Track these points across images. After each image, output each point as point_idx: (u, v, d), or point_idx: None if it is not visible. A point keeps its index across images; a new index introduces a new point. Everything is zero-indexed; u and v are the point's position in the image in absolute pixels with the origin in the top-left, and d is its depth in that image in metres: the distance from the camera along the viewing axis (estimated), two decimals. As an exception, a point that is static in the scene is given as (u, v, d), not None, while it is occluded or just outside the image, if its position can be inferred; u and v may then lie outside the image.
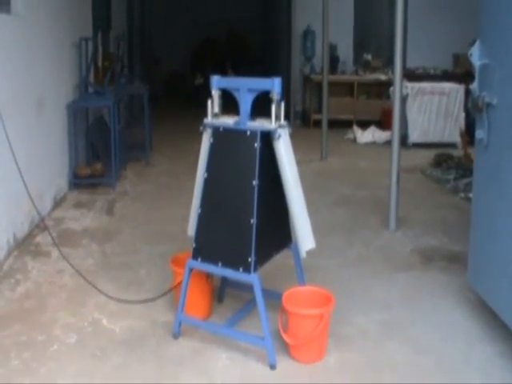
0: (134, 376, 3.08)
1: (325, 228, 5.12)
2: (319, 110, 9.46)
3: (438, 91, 9.26)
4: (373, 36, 12.02)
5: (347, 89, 11.22)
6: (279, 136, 3.22)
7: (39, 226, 5.17)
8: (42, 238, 4.98)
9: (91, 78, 7.46)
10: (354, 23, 11.75)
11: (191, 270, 3.38)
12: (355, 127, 10.16)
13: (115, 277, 4.26)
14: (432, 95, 9.22)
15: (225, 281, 3.83)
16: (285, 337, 3.21)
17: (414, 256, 4.72)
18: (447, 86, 9.43)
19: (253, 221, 3.15)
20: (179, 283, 3.47)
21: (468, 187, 6.19)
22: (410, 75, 10.09)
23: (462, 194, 6.42)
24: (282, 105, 3.22)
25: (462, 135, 8.84)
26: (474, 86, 3.56)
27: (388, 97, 9.37)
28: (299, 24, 11.25)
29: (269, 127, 3.23)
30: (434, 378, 3.08)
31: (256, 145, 3.19)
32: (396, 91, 5.28)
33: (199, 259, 3.33)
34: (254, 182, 3.17)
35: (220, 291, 3.85)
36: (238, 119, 3.30)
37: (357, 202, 6.24)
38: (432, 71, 11.26)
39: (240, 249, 3.19)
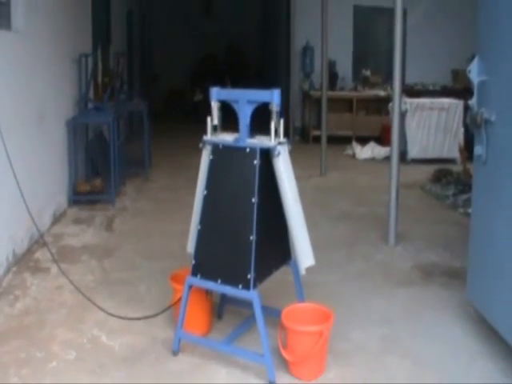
0: (133, 393, 3.07)
1: (325, 243, 5.12)
2: (318, 126, 9.50)
3: (437, 107, 9.28)
4: (372, 52, 12.09)
5: (346, 105, 11.27)
6: (279, 153, 3.23)
7: (38, 242, 5.16)
8: (41, 254, 4.97)
9: (91, 93, 7.49)
10: (353, 39, 11.83)
11: (190, 286, 3.37)
12: (354, 143, 10.19)
13: (115, 293, 4.25)
14: (431, 111, 9.25)
15: (224, 297, 3.82)
16: (284, 353, 3.19)
17: (415, 271, 4.72)
18: (446, 101, 9.45)
19: (252, 237, 3.15)
20: (179, 300, 3.47)
21: (467, 203, 6.21)
22: (409, 91, 10.14)
23: (462, 210, 6.43)
24: (282, 121, 3.23)
25: (461, 151, 8.85)
26: (473, 102, 3.58)
27: (387, 112, 9.38)
28: (298, 40, 11.31)
29: (268, 144, 3.24)
30: (435, 395, 3.07)
31: (255, 162, 3.20)
32: (395, 107, 5.29)
33: (199, 276, 3.32)
34: (254, 199, 3.17)
35: (219, 307, 3.85)
36: (237, 136, 3.31)
37: (356, 217, 6.24)
38: (431, 87, 11.33)
39: (239, 266, 3.19)
